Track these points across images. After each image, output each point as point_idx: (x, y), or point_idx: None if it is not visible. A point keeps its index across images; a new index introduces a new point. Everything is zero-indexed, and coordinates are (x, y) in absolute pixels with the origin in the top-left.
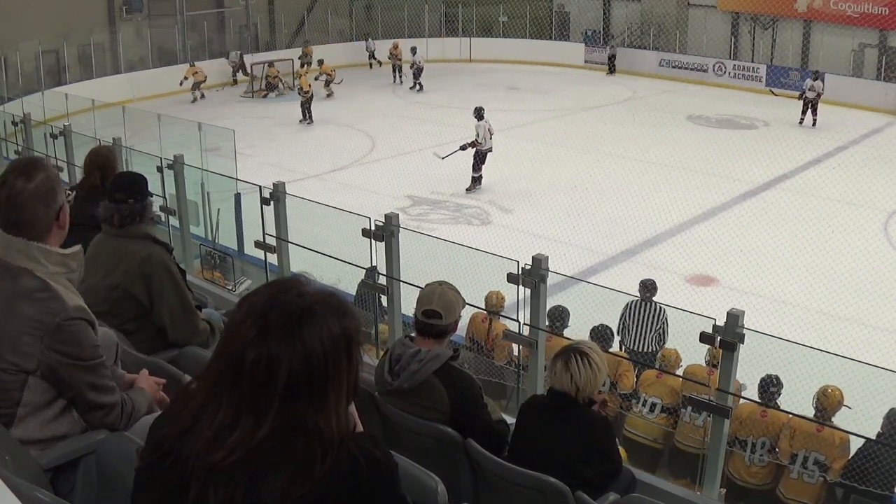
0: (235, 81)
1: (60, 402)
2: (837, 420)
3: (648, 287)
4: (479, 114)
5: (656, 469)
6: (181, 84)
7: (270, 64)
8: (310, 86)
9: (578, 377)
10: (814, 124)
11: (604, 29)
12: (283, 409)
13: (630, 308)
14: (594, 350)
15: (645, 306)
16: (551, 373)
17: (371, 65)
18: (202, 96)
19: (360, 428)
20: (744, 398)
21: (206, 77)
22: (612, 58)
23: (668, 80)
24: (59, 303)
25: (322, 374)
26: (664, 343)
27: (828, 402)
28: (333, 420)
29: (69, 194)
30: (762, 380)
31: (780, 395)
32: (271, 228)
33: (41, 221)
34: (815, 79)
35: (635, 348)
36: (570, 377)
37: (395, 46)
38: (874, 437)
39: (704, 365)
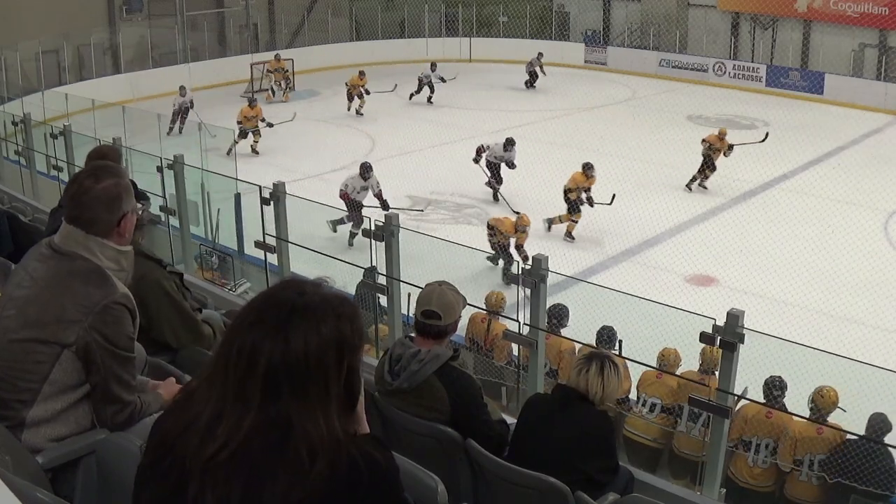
0: (170, 130)
1: (84, 388)
2: (833, 418)
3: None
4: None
5: (656, 469)
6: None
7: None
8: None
9: (612, 385)
10: None
11: (604, 29)
12: (266, 403)
13: None
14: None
15: None
16: (579, 372)
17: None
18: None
19: (365, 430)
20: (746, 399)
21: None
22: (426, 80)
23: (668, 80)
24: (110, 286)
25: (302, 372)
26: None
27: (823, 403)
28: (321, 421)
29: (142, 207)
30: (766, 382)
31: (784, 397)
32: (271, 228)
33: (102, 224)
34: None
35: None
36: (603, 385)
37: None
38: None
39: (696, 372)
